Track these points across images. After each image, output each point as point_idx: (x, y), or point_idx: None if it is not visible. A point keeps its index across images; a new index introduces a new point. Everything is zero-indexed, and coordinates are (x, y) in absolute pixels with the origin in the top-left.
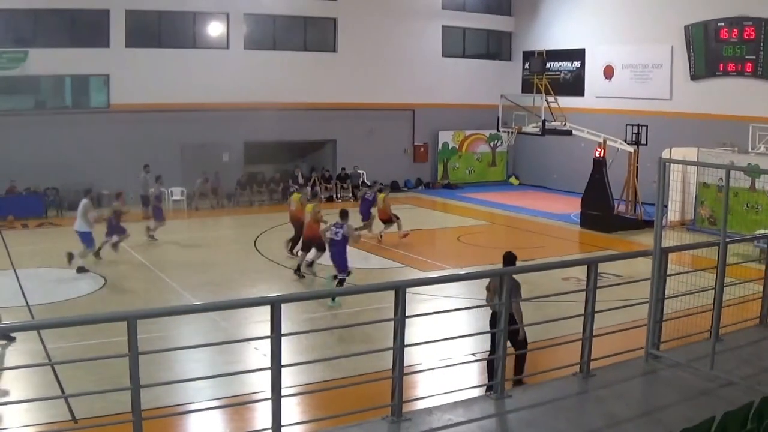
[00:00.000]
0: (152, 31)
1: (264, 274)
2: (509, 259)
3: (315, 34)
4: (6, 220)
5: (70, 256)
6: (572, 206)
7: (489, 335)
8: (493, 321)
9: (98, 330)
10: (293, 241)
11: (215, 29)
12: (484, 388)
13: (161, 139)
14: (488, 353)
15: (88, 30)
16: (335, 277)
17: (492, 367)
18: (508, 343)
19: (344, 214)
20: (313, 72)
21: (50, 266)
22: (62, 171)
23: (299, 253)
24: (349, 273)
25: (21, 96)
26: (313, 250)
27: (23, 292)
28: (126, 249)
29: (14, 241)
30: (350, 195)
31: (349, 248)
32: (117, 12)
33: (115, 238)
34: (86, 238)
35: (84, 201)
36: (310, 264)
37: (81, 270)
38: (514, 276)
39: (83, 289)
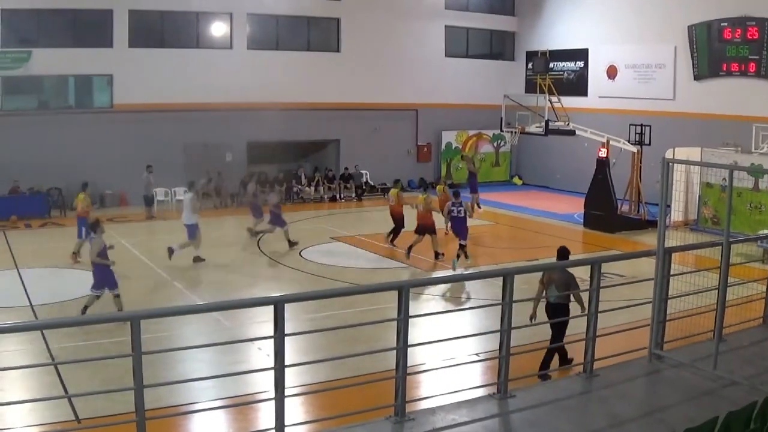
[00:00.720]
0: (155, 31)
1: (267, 274)
2: (563, 253)
3: (318, 34)
4: (9, 220)
5: (170, 251)
6: (575, 206)
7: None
8: (549, 312)
9: (102, 330)
10: (394, 233)
11: (218, 29)
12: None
13: (164, 139)
14: (549, 342)
15: (92, 30)
16: (461, 246)
17: (550, 356)
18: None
19: (457, 194)
20: (316, 72)
21: (53, 266)
22: (65, 171)
23: (400, 241)
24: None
25: (24, 96)
26: (427, 235)
27: (27, 292)
28: (129, 248)
29: (18, 241)
30: (353, 195)
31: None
32: (120, 12)
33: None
34: (192, 230)
35: (189, 194)
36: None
37: (198, 260)
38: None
39: (87, 290)
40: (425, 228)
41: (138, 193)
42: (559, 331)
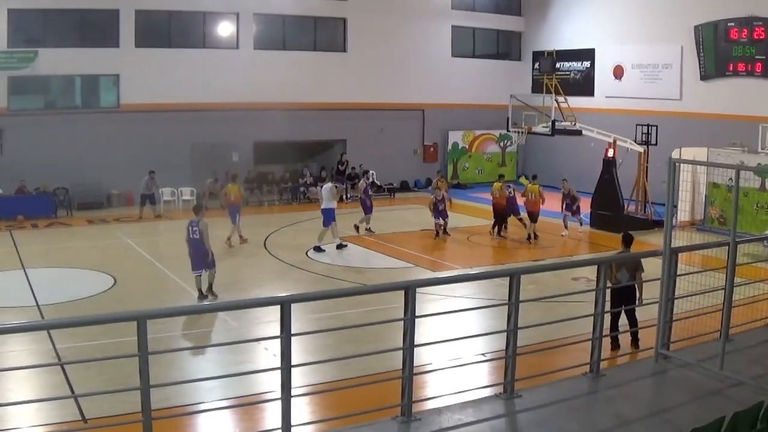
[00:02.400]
0: (162, 31)
1: (274, 274)
2: (627, 238)
3: (325, 34)
4: (16, 220)
5: (317, 249)
6: (582, 206)
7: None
8: (617, 295)
9: (108, 330)
10: (498, 225)
11: (225, 29)
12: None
13: (171, 139)
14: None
15: (98, 30)
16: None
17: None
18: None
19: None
20: (322, 72)
21: (60, 266)
22: (72, 171)
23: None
24: None
25: (31, 96)
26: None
27: (33, 292)
28: (134, 247)
29: (24, 241)
30: (359, 196)
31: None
32: (126, 12)
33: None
34: (330, 214)
35: (328, 185)
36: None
37: (341, 246)
38: None
39: (93, 289)
40: (534, 214)
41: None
42: (631, 312)
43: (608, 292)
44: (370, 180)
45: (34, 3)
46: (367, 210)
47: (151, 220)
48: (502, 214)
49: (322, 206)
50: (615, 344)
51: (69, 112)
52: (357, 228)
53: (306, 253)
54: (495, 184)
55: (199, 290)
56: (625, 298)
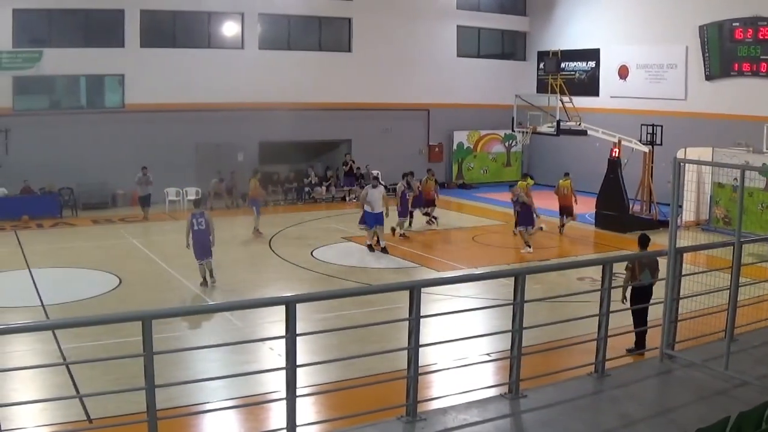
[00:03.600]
0: (167, 31)
1: (279, 274)
2: (644, 240)
3: (330, 34)
4: (21, 220)
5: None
6: (587, 206)
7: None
8: (637, 295)
9: (113, 330)
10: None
11: (230, 29)
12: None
13: (176, 139)
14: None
15: (103, 30)
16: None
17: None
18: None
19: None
20: (327, 72)
21: (65, 266)
22: (77, 171)
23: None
24: None
25: (36, 96)
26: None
27: (38, 292)
28: (139, 247)
29: (29, 241)
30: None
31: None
32: (132, 12)
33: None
34: (380, 218)
35: (380, 188)
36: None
37: (384, 251)
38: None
39: (98, 289)
40: (566, 208)
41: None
42: (643, 312)
43: (628, 291)
44: (407, 183)
45: (39, 3)
46: (402, 213)
47: (156, 220)
48: (569, 209)
49: (375, 210)
50: (641, 344)
51: (74, 112)
52: (393, 231)
53: (311, 253)
54: (562, 181)
55: (204, 278)
56: (646, 298)
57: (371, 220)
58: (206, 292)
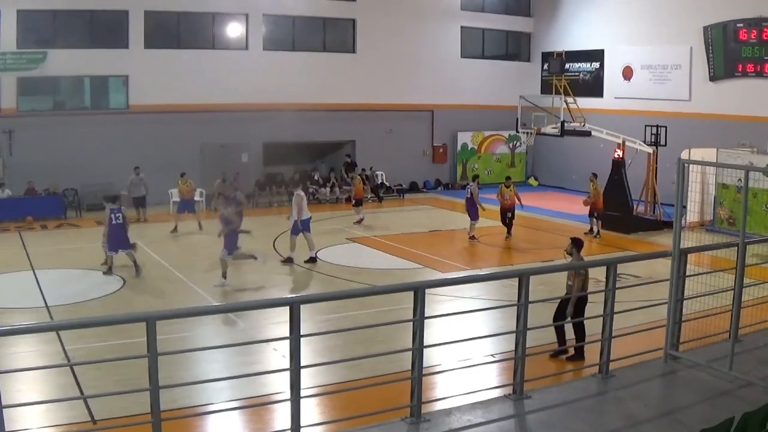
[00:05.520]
0: (171, 32)
1: (283, 275)
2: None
3: (334, 35)
4: (25, 221)
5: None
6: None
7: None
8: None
9: (117, 331)
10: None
11: (234, 30)
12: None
13: (180, 140)
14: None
15: (107, 31)
16: None
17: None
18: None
19: None
20: (332, 73)
21: (69, 267)
22: (81, 172)
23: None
24: None
25: (40, 96)
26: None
27: (42, 293)
28: (143, 249)
29: (33, 241)
30: (369, 197)
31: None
32: (136, 13)
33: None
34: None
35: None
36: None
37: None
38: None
39: (102, 290)
40: (597, 209)
41: (154, 194)
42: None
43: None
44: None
45: (44, 4)
46: (474, 216)
47: (160, 221)
48: (599, 211)
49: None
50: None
51: (78, 113)
52: (471, 236)
53: (315, 254)
54: (594, 183)
55: (110, 267)
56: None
57: (306, 227)
58: (210, 292)
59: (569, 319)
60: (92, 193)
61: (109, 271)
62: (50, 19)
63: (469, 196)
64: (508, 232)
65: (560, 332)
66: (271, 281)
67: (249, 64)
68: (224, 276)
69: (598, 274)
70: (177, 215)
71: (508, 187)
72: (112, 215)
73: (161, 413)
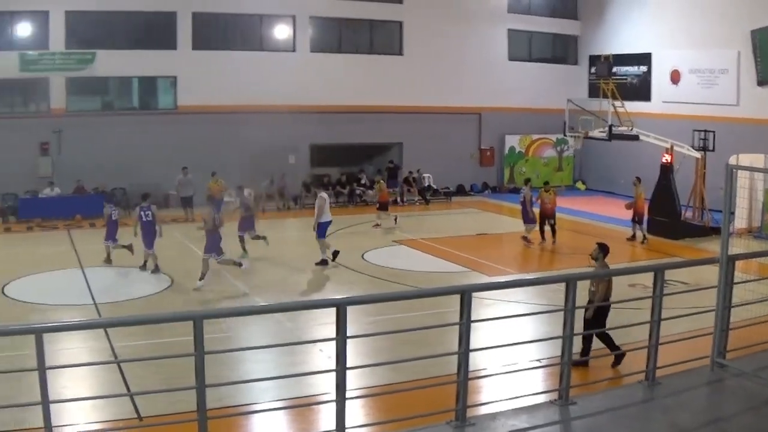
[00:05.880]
0: (219, 34)
1: (330, 276)
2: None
3: (381, 37)
4: (73, 219)
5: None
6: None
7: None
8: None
9: (164, 329)
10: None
11: (281, 32)
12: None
13: (227, 141)
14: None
15: (156, 32)
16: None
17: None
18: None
19: None
20: (379, 75)
21: (117, 266)
22: (129, 171)
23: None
24: None
25: (89, 97)
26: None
27: (90, 291)
28: (191, 248)
29: (82, 240)
30: (415, 199)
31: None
32: (184, 14)
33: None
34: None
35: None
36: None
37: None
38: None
39: (150, 289)
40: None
41: (202, 194)
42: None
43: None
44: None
45: (92, 5)
46: (528, 220)
47: (183, 222)
48: (641, 214)
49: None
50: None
51: (126, 113)
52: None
53: (362, 256)
54: (637, 186)
55: (145, 262)
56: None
57: (321, 231)
58: (257, 292)
59: (590, 327)
60: (140, 193)
61: (156, 270)
62: (98, 20)
63: (522, 200)
64: (553, 237)
65: (586, 341)
66: (317, 282)
67: (296, 66)
68: (202, 278)
69: (645, 280)
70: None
71: (547, 191)
72: (142, 213)
73: (207, 412)
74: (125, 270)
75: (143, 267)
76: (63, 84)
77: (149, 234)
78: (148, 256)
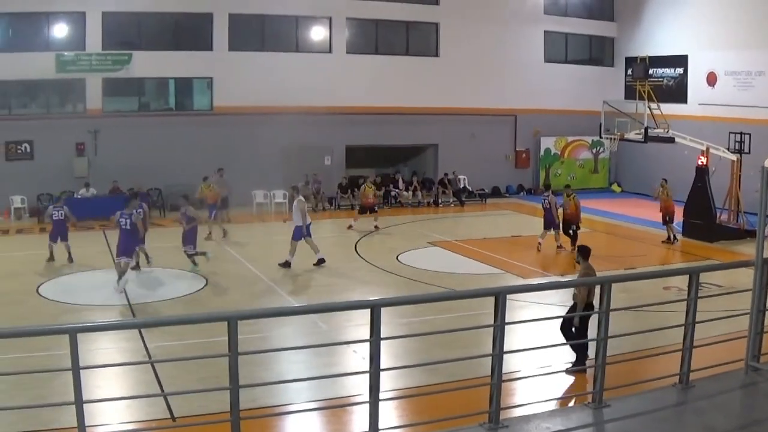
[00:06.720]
0: (255, 35)
1: (364, 277)
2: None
3: (417, 39)
4: (109, 219)
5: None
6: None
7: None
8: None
9: (198, 330)
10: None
11: (318, 33)
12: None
13: (263, 142)
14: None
15: (192, 33)
16: None
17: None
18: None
19: None
20: (414, 76)
21: (152, 266)
22: (165, 172)
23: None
24: None
25: (125, 98)
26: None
27: (125, 291)
28: (226, 249)
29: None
30: (450, 200)
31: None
32: (220, 16)
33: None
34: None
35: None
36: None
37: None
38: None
39: (184, 289)
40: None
41: (237, 195)
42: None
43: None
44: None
45: (129, 6)
46: (551, 224)
47: (242, 222)
48: (671, 215)
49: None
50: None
51: (163, 114)
52: (559, 246)
53: (396, 257)
54: (664, 186)
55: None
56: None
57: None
58: (291, 293)
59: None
60: (175, 194)
61: (136, 267)
62: (135, 21)
63: (547, 206)
64: (572, 245)
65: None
66: (350, 284)
67: (332, 67)
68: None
69: (680, 283)
70: (210, 221)
71: (569, 196)
72: (122, 219)
73: (240, 412)
74: (160, 270)
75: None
76: (99, 85)
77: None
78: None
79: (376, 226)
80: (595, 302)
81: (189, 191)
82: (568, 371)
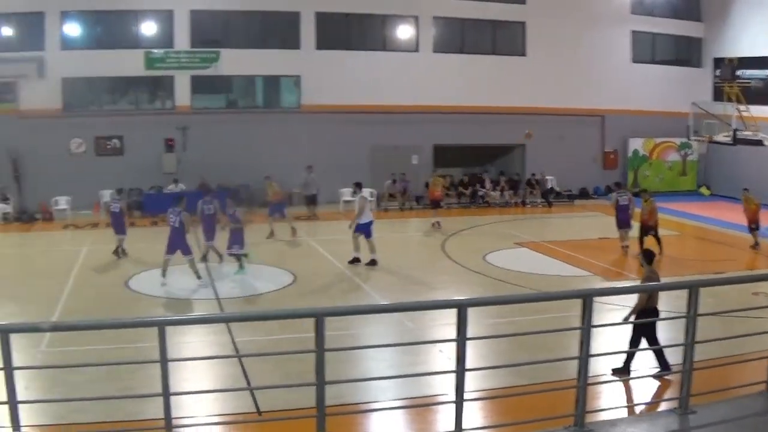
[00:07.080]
0: (342, 34)
1: (451, 277)
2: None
3: (504, 38)
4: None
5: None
6: (765, 219)
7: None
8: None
9: (286, 325)
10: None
11: (404, 32)
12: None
13: (350, 140)
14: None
15: (279, 32)
16: None
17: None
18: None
19: None
20: (501, 76)
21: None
22: (252, 169)
23: None
24: None
25: (213, 95)
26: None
27: (213, 286)
28: (314, 247)
29: None
30: (538, 201)
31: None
32: (307, 14)
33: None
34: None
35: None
36: None
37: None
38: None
39: (272, 285)
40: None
41: (325, 193)
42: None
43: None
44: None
45: (217, 5)
46: (623, 224)
47: (330, 219)
48: (756, 221)
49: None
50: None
51: (250, 112)
52: (626, 248)
53: (484, 257)
54: (746, 195)
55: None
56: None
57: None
58: (379, 291)
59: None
60: (263, 190)
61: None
62: (223, 19)
63: (625, 203)
64: (659, 249)
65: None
66: (437, 283)
67: (419, 66)
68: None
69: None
70: (270, 219)
71: (645, 201)
72: (205, 207)
73: (326, 408)
74: (248, 266)
75: (204, 259)
76: (188, 82)
77: (210, 227)
78: (208, 249)
79: (437, 223)
80: (660, 306)
81: (258, 191)
82: (654, 376)
